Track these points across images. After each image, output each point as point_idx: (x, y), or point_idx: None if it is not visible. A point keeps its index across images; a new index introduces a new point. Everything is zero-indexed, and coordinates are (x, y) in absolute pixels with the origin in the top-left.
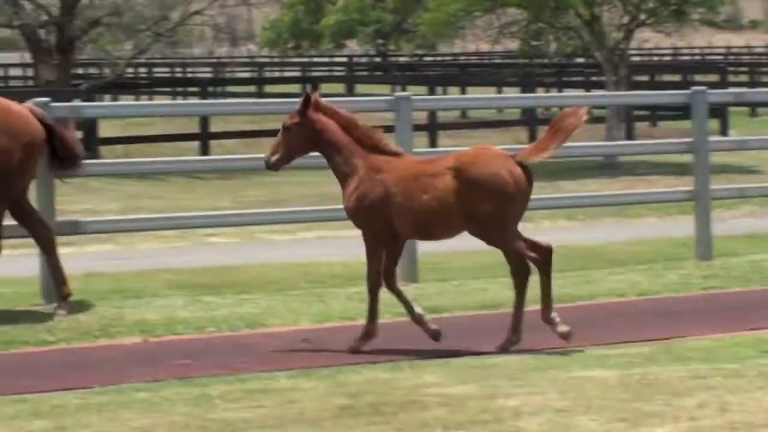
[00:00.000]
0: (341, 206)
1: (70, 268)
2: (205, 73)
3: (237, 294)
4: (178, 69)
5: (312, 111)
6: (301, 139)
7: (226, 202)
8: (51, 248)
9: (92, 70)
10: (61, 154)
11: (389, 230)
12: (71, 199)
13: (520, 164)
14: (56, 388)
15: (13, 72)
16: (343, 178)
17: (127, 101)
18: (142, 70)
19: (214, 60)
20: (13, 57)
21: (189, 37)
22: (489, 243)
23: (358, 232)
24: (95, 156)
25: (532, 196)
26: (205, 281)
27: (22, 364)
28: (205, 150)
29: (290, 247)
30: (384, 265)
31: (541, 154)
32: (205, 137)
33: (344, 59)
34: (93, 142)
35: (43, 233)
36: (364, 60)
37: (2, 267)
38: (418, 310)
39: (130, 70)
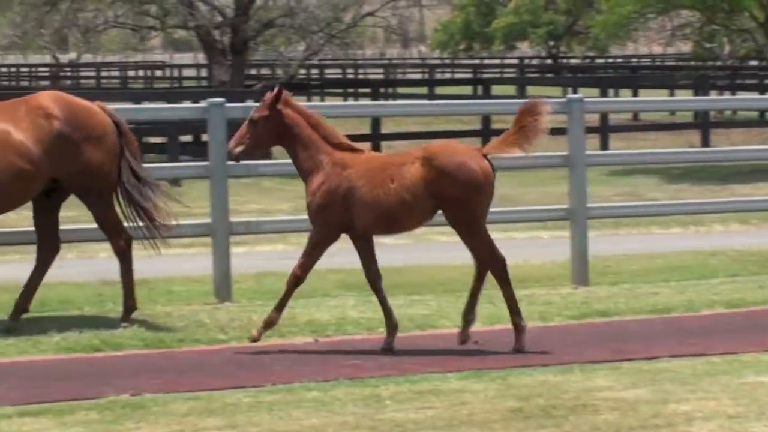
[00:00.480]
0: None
1: (242, 267)
2: (376, 74)
3: (407, 295)
4: (349, 70)
5: (282, 105)
6: (268, 132)
7: None
8: (50, 259)
9: (264, 71)
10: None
11: (345, 228)
12: (244, 199)
13: (485, 158)
14: (228, 386)
15: (187, 72)
16: (307, 174)
17: (299, 102)
18: (314, 71)
19: (386, 61)
20: (186, 58)
21: (361, 39)
22: (459, 233)
23: (533, 233)
24: (268, 156)
25: (702, 200)
26: None
27: (195, 361)
28: (376, 151)
29: (459, 249)
30: (369, 266)
31: (507, 148)
32: (376, 138)
33: (515, 61)
34: None
35: (51, 246)
36: (535, 62)
37: (176, 266)
38: (395, 319)
39: (302, 71)
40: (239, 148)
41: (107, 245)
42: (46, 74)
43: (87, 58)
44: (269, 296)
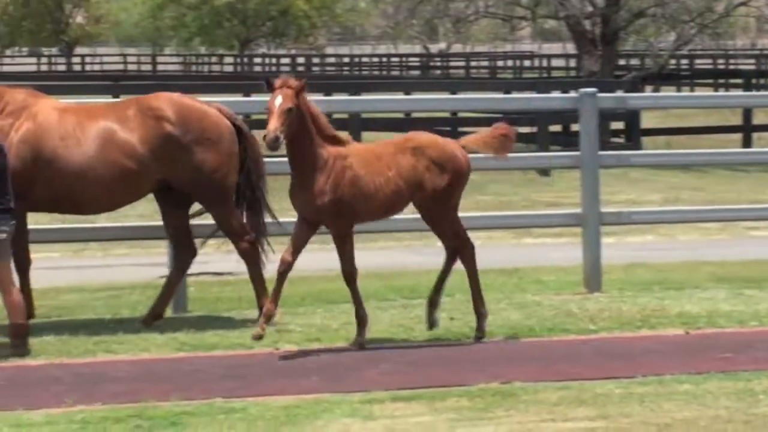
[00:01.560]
0: None
1: (612, 258)
2: (748, 65)
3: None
4: (720, 60)
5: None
6: (293, 123)
7: None
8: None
9: (634, 62)
10: (250, 156)
11: (355, 218)
12: (614, 189)
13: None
14: (598, 376)
15: (555, 63)
16: (307, 169)
17: (668, 92)
18: (684, 61)
19: (757, 52)
20: (555, 48)
21: (732, 29)
22: (434, 221)
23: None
24: (637, 147)
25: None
26: (747, 274)
27: (565, 351)
28: (747, 142)
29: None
30: (295, 245)
31: (481, 148)
32: (747, 130)
33: None
34: (635, 133)
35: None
36: None
37: (546, 255)
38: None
39: (672, 61)
40: (282, 136)
41: (479, 233)
42: (417, 64)
43: (456, 48)
44: (639, 287)
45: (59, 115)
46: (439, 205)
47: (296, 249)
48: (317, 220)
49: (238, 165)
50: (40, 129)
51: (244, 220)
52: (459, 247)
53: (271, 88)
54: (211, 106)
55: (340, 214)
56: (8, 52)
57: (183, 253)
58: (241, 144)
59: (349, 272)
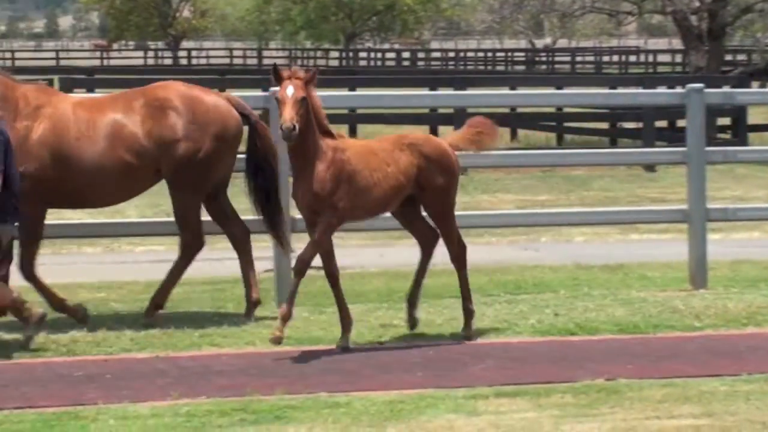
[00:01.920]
0: None
1: (717, 254)
2: None
3: None
4: None
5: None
6: (306, 112)
7: None
8: (243, 247)
9: (740, 57)
10: (260, 147)
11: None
12: (719, 185)
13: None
14: (703, 374)
15: (662, 58)
16: (309, 161)
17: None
18: None
19: None
20: (661, 43)
21: None
22: (435, 220)
23: None
24: (743, 143)
25: None
26: None
27: (670, 348)
28: None
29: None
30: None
31: (466, 145)
32: None
33: None
34: (742, 129)
35: (237, 231)
36: None
37: (651, 251)
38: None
39: None
40: (298, 127)
41: (584, 228)
42: (522, 59)
43: (562, 43)
44: (745, 284)
45: (73, 112)
46: (435, 201)
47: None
48: (315, 211)
49: (233, 161)
50: (57, 129)
51: (261, 213)
52: (455, 248)
53: (279, 79)
54: (221, 96)
55: (336, 206)
56: (115, 45)
57: (236, 238)
58: (251, 135)
59: (304, 261)
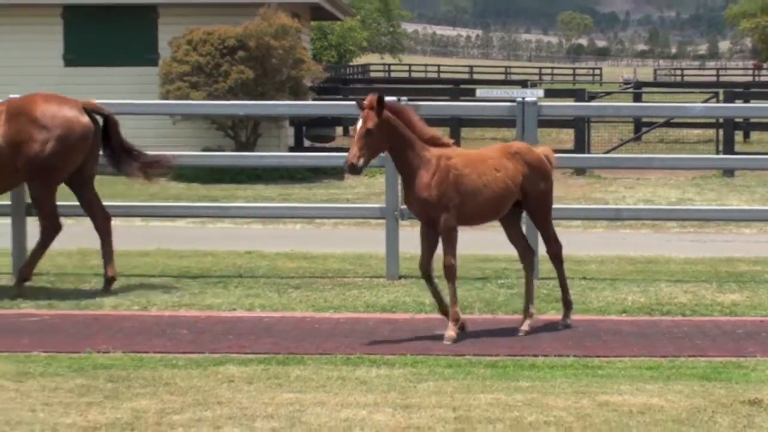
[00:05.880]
0: None
1: None
2: None
3: None
4: None
5: (386, 111)
6: (381, 139)
7: None
8: (105, 231)
9: None
10: (115, 149)
11: (461, 213)
12: None
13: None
14: None
15: None
16: (413, 171)
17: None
18: None
19: None
20: None
21: None
22: (537, 223)
23: None
24: None
25: None
26: None
27: None
28: None
29: None
30: (423, 250)
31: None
32: None
33: None
34: None
35: (99, 216)
36: None
37: None
38: (446, 300)
39: None
40: (362, 161)
41: None
42: None
43: None
44: None
45: None
46: (540, 205)
47: (425, 254)
48: (428, 216)
49: (79, 157)
50: None
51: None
52: (553, 246)
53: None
54: (74, 103)
55: (446, 208)
56: (765, 65)
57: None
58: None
59: (451, 265)
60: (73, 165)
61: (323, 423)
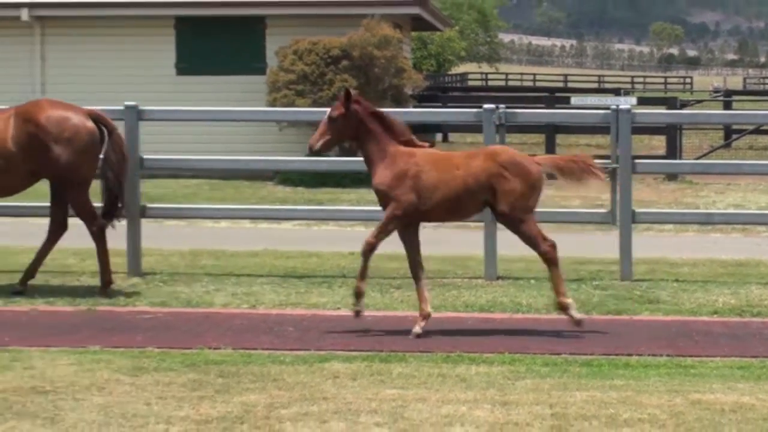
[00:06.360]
0: None
1: None
2: None
3: None
4: None
5: (354, 104)
6: (345, 128)
7: None
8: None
9: None
10: (112, 156)
11: (415, 208)
12: None
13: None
14: None
15: None
16: (375, 163)
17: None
18: None
19: None
20: None
21: None
22: (512, 224)
23: None
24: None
25: None
26: None
27: None
28: None
29: None
30: (410, 257)
31: (554, 169)
32: None
33: None
34: None
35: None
36: None
37: None
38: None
39: None
40: (320, 143)
41: None
42: None
43: None
44: None
45: None
46: (510, 206)
47: (408, 248)
48: (382, 202)
49: (95, 159)
50: None
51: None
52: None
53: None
54: (80, 110)
55: (396, 199)
56: None
57: (57, 227)
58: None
59: (370, 243)
60: (92, 168)
61: (425, 418)
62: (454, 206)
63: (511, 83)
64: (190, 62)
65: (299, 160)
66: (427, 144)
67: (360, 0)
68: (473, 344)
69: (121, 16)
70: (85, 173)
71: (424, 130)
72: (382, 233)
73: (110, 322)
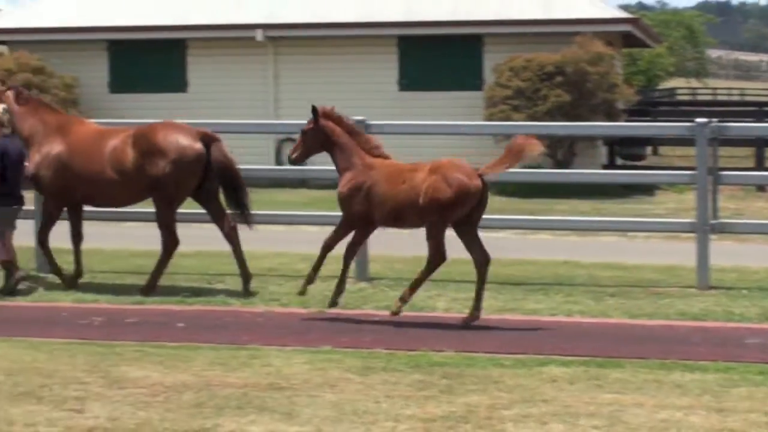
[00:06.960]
0: None
1: None
2: None
3: None
4: None
5: (322, 119)
6: (314, 141)
7: None
8: (235, 240)
9: None
10: (217, 174)
11: (366, 216)
12: None
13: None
14: None
15: None
16: (341, 173)
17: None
18: None
19: None
20: None
21: None
22: (429, 231)
23: None
24: None
25: None
26: None
27: None
28: None
29: None
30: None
31: (495, 170)
32: None
33: None
34: None
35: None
36: None
37: None
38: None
39: None
40: (295, 154)
41: None
42: None
43: None
44: None
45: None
46: (431, 217)
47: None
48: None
49: (190, 178)
50: None
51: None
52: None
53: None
54: (188, 130)
55: (349, 207)
56: None
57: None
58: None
59: (327, 245)
60: (190, 186)
61: (642, 423)
62: (399, 216)
63: (719, 97)
64: (412, 78)
65: (525, 172)
66: (389, 155)
67: (573, 18)
68: (687, 352)
69: (348, 36)
70: (183, 193)
71: (633, 144)
72: (337, 234)
73: (339, 324)
